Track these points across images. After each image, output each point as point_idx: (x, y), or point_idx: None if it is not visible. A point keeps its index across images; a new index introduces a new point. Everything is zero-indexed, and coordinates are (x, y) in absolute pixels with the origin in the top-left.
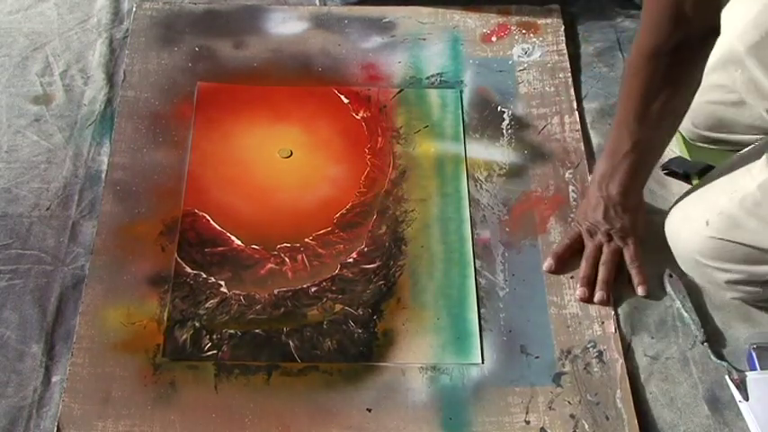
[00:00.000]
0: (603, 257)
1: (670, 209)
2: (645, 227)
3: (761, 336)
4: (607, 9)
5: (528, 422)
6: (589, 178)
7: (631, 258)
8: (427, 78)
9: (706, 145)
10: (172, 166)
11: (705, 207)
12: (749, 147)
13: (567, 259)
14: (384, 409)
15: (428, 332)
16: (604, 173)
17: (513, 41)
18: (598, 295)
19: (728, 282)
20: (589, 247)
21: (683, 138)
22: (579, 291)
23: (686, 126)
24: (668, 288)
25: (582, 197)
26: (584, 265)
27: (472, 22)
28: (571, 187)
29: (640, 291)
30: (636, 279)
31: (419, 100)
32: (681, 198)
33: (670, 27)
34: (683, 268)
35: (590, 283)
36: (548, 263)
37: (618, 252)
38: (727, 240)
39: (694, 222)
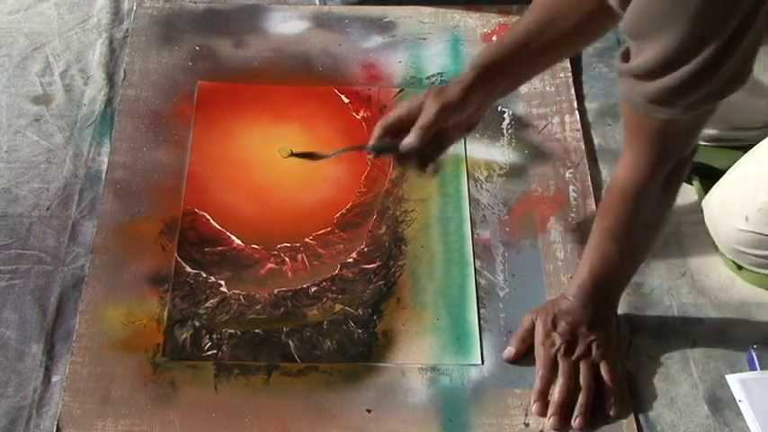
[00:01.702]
0: (585, 380)
1: (705, 197)
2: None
3: (761, 336)
4: None
5: (527, 425)
6: (589, 178)
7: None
8: (428, 78)
9: (707, 143)
10: (172, 165)
11: (743, 202)
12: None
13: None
14: (384, 409)
15: (428, 332)
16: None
17: None
18: (579, 421)
19: (766, 260)
20: (565, 365)
21: None
22: (538, 407)
23: None
24: None
25: (582, 197)
26: (561, 387)
27: (473, 22)
28: (571, 187)
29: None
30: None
31: None
32: (717, 186)
33: (663, 160)
34: (722, 250)
35: (546, 396)
36: (508, 351)
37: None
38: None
39: (733, 216)
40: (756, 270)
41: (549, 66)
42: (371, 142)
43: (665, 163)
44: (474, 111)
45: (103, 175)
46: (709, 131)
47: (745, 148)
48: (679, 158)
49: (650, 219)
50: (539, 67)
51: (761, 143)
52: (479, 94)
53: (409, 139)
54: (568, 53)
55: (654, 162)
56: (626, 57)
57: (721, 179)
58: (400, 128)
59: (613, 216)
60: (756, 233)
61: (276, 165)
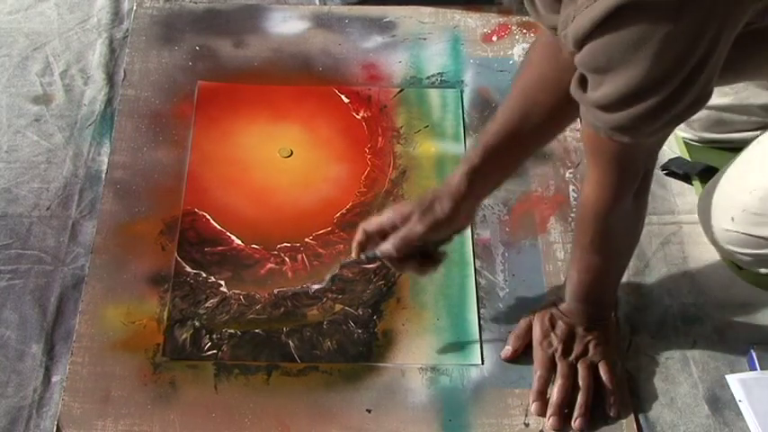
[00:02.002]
0: (583, 380)
1: (701, 198)
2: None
3: (761, 336)
4: None
5: (527, 425)
6: None
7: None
8: (428, 78)
9: (705, 145)
10: (172, 165)
11: (729, 203)
12: (756, 141)
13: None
14: (384, 409)
15: (428, 333)
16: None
17: (513, 41)
18: (579, 422)
19: (755, 259)
20: (562, 365)
21: (683, 138)
22: (536, 407)
23: (684, 128)
24: None
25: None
26: (559, 387)
27: (473, 22)
28: (572, 187)
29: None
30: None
31: (419, 100)
32: (707, 188)
33: (628, 179)
34: (716, 251)
35: (545, 396)
36: (506, 350)
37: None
38: (752, 235)
39: (721, 217)
40: (754, 269)
41: (534, 153)
42: (353, 254)
43: (631, 182)
44: (463, 217)
45: (103, 175)
46: (704, 134)
47: (741, 150)
48: (645, 171)
49: (628, 227)
50: (524, 158)
51: (747, 147)
52: (470, 202)
53: (386, 246)
54: (549, 139)
55: (620, 182)
56: (582, 84)
57: (710, 181)
58: (382, 234)
59: (592, 232)
60: (742, 233)
61: (276, 165)
